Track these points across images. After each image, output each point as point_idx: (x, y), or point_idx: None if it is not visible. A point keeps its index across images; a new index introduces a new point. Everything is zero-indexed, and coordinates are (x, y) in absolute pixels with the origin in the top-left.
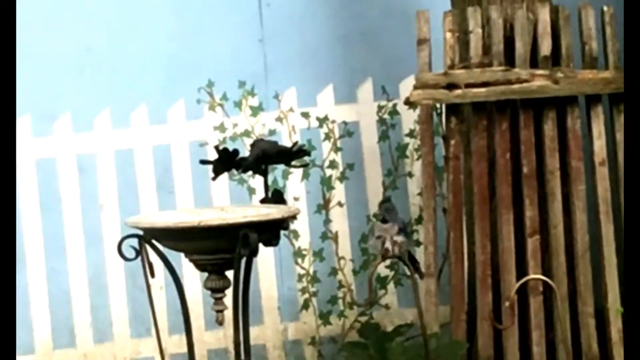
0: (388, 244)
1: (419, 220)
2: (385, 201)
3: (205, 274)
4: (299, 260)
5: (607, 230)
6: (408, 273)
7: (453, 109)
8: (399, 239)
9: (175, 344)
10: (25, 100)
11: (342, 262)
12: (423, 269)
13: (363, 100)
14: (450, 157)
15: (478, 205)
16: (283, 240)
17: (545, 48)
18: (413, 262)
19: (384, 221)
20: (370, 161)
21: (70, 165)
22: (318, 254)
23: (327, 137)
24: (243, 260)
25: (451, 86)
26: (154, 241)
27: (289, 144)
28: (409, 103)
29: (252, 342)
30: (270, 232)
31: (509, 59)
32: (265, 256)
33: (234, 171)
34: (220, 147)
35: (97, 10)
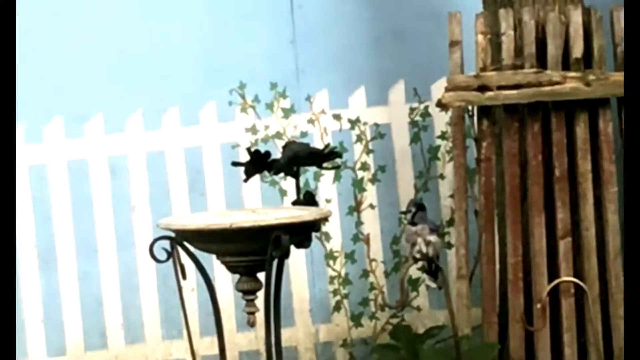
0: (422, 245)
1: (451, 222)
2: (417, 205)
3: (237, 276)
4: (331, 262)
5: None
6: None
7: (485, 111)
8: (433, 238)
9: (207, 345)
10: (57, 101)
11: (373, 264)
12: (455, 271)
13: (395, 102)
14: (482, 159)
15: (510, 207)
16: (315, 242)
17: (577, 50)
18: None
19: (413, 224)
20: (401, 163)
21: (102, 167)
22: (350, 256)
23: (359, 139)
24: (275, 262)
25: (483, 88)
26: (185, 243)
27: (320, 146)
28: (440, 105)
29: (283, 344)
30: (302, 234)
31: (541, 61)
32: (297, 258)
33: (266, 173)
34: (252, 149)
35: (129, 12)
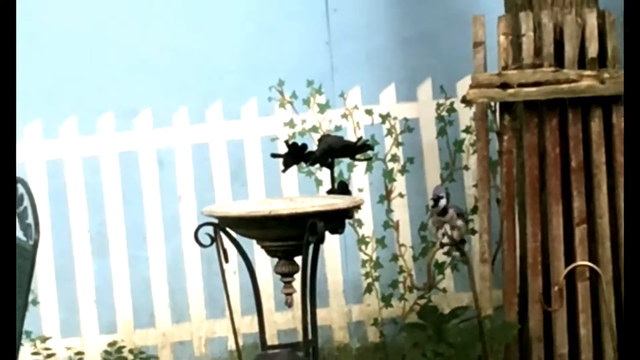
0: (447, 229)
1: (474, 210)
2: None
3: (276, 260)
4: (363, 247)
5: None
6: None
7: (506, 107)
8: (459, 222)
9: (248, 324)
10: (108, 97)
11: (402, 249)
12: (478, 256)
13: (423, 98)
14: (503, 151)
15: (529, 196)
16: (348, 228)
17: (593, 50)
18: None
19: (443, 212)
20: (429, 155)
21: (150, 159)
22: (380, 241)
23: (389, 132)
24: (311, 247)
25: (505, 85)
26: (228, 229)
27: (353, 139)
28: (465, 101)
29: (318, 323)
30: (336, 221)
31: (559, 61)
32: (331, 243)
33: (303, 164)
34: (290, 142)
35: (177, 14)
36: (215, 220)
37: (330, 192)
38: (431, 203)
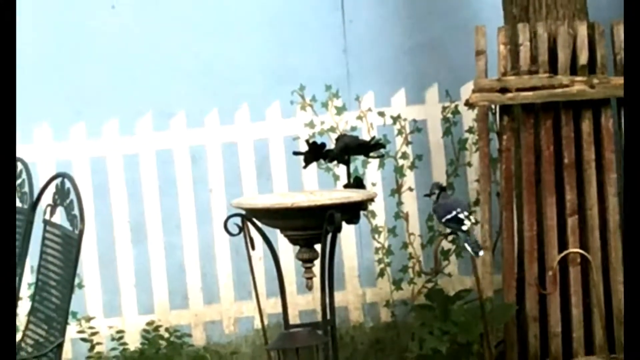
0: (464, 215)
1: (476, 202)
2: (439, 187)
3: (297, 247)
4: (376, 236)
5: None
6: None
7: (505, 109)
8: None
9: (272, 305)
10: (147, 100)
11: (412, 237)
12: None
13: (430, 101)
14: (503, 149)
15: (526, 190)
16: (362, 219)
17: (583, 58)
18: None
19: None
20: (435, 153)
21: (184, 155)
22: (392, 231)
23: (400, 132)
24: (329, 236)
25: (504, 90)
26: (254, 219)
27: (367, 139)
28: (468, 104)
29: (336, 304)
30: (352, 212)
31: (553, 68)
32: (348, 232)
33: (322, 161)
34: (310, 141)
35: (209, 26)
36: (243, 212)
37: (346, 186)
38: (433, 198)
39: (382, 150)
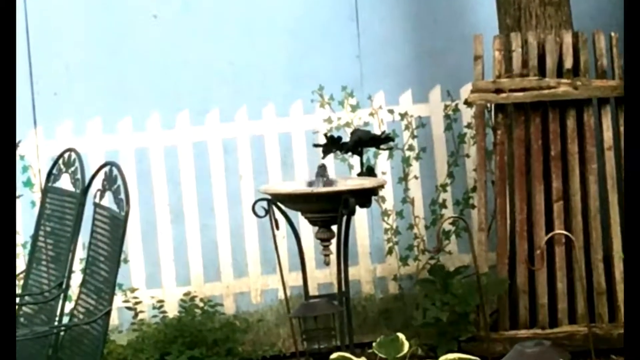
0: None
1: (474, 189)
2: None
3: (316, 228)
4: (385, 218)
5: (612, 197)
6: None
7: (500, 108)
8: None
9: (294, 279)
10: (185, 98)
11: (417, 219)
12: (477, 225)
13: (433, 100)
14: (497, 143)
15: (517, 178)
16: (373, 203)
17: (568, 63)
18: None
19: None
20: (438, 146)
21: (218, 147)
22: (399, 214)
23: (407, 127)
24: (344, 218)
25: (498, 91)
26: (278, 203)
27: (378, 133)
28: (467, 103)
29: (350, 278)
30: (364, 197)
31: (542, 71)
32: (361, 215)
33: (338, 152)
34: (328, 135)
35: (236, 32)
36: (269, 197)
37: (359, 174)
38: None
39: (391, 143)
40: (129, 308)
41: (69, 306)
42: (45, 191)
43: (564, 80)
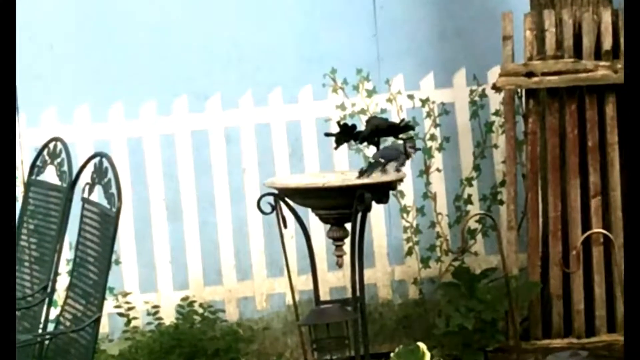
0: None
1: (502, 183)
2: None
3: (328, 226)
4: (404, 215)
5: None
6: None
7: (531, 93)
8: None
9: (303, 282)
10: (183, 82)
11: (439, 217)
12: (506, 224)
13: (458, 85)
14: (528, 132)
15: (551, 171)
16: (392, 198)
17: (607, 44)
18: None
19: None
20: (463, 135)
21: (219, 136)
22: (420, 210)
23: (428, 115)
24: (359, 215)
25: (530, 74)
26: (286, 199)
27: (397, 121)
28: (495, 88)
29: (365, 281)
30: (381, 192)
31: (577, 53)
32: (377, 212)
33: (352, 142)
34: (341, 123)
35: (241, 10)
36: (275, 191)
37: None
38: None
39: (411, 132)
40: (120, 314)
41: (54, 312)
42: (28, 185)
43: (602, 63)
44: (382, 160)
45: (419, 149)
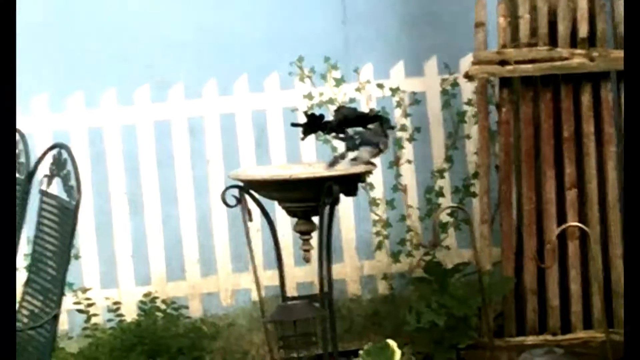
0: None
1: (475, 175)
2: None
3: (295, 219)
4: (374, 208)
5: None
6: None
7: (505, 82)
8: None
9: (269, 277)
10: (145, 71)
11: (410, 210)
12: (479, 217)
13: (429, 74)
14: (502, 122)
15: (525, 163)
16: (360, 191)
17: (583, 31)
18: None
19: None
20: (434, 125)
21: (182, 127)
22: (390, 203)
23: (398, 104)
24: (327, 208)
25: (503, 62)
26: (252, 191)
27: (366, 111)
28: (467, 76)
29: (334, 277)
30: (350, 184)
31: (552, 40)
32: (346, 205)
33: (320, 133)
34: (309, 113)
35: None
36: (241, 183)
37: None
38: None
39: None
40: (80, 311)
41: None
42: None
43: (578, 51)
44: (357, 137)
45: (394, 127)
